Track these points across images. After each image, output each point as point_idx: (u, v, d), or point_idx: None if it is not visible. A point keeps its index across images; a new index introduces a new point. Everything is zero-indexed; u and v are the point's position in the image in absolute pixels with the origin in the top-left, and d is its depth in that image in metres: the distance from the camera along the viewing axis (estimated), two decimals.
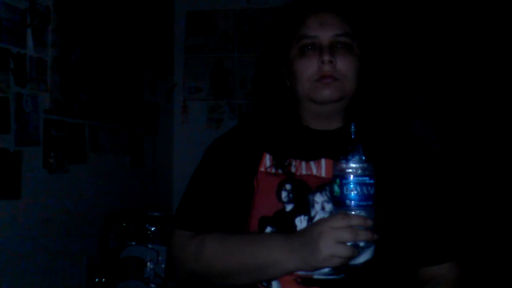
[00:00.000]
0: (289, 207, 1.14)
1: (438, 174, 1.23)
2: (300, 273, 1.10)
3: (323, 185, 1.14)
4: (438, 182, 1.22)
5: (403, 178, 1.18)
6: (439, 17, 3.24)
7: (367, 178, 0.98)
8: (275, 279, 1.11)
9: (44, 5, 2.22)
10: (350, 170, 0.98)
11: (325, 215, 1.11)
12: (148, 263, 2.47)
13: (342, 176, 0.99)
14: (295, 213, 1.12)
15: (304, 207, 1.12)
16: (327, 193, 1.12)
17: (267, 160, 1.19)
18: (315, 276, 1.10)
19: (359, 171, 0.98)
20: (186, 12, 3.55)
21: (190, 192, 1.23)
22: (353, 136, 1.00)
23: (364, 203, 0.98)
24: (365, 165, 0.99)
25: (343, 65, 1.15)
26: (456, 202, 1.24)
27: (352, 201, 0.98)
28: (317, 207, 1.12)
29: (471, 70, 3.19)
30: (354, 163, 0.98)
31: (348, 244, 0.97)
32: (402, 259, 1.15)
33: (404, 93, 3.25)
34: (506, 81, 3.14)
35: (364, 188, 0.97)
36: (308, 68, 1.15)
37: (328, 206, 1.12)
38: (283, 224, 1.13)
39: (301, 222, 1.12)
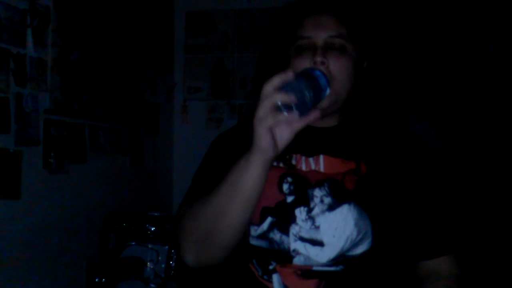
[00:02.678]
0: (290, 199, 1.17)
1: (436, 170, 1.25)
2: (299, 264, 1.13)
3: (322, 181, 1.17)
4: (436, 178, 1.24)
5: (401, 173, 1.19)
6: (439, 18, 3.24)
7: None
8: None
9: (44, 5, 2.22)
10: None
11: (324, 207, 1.14)
12: (148, 263, 2.47)
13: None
14: (296, 204, 1.15)
15: (304, 199, 1.16)
16: (326, 188, 1.15)
17: None
18: (314, 268, 1.13)
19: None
20: (186, 12, 3.55)
21: (194, 182, 1.26)
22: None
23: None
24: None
25: (336, 66, 1.16)
26: (454, 198, 1.25)
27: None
28: (316, 200, 1.16)
29: (471, 71, 3.19)
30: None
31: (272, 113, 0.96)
32: (400, 251, 1.17)
33: (404, 94, 3.25)
34: (505, 82, 3.14)
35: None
36: (302, 66, 1.16)
37: (327, 200, 1.15)
38: (283, 214, 1.16)
39: (300, 213, 1.15)
